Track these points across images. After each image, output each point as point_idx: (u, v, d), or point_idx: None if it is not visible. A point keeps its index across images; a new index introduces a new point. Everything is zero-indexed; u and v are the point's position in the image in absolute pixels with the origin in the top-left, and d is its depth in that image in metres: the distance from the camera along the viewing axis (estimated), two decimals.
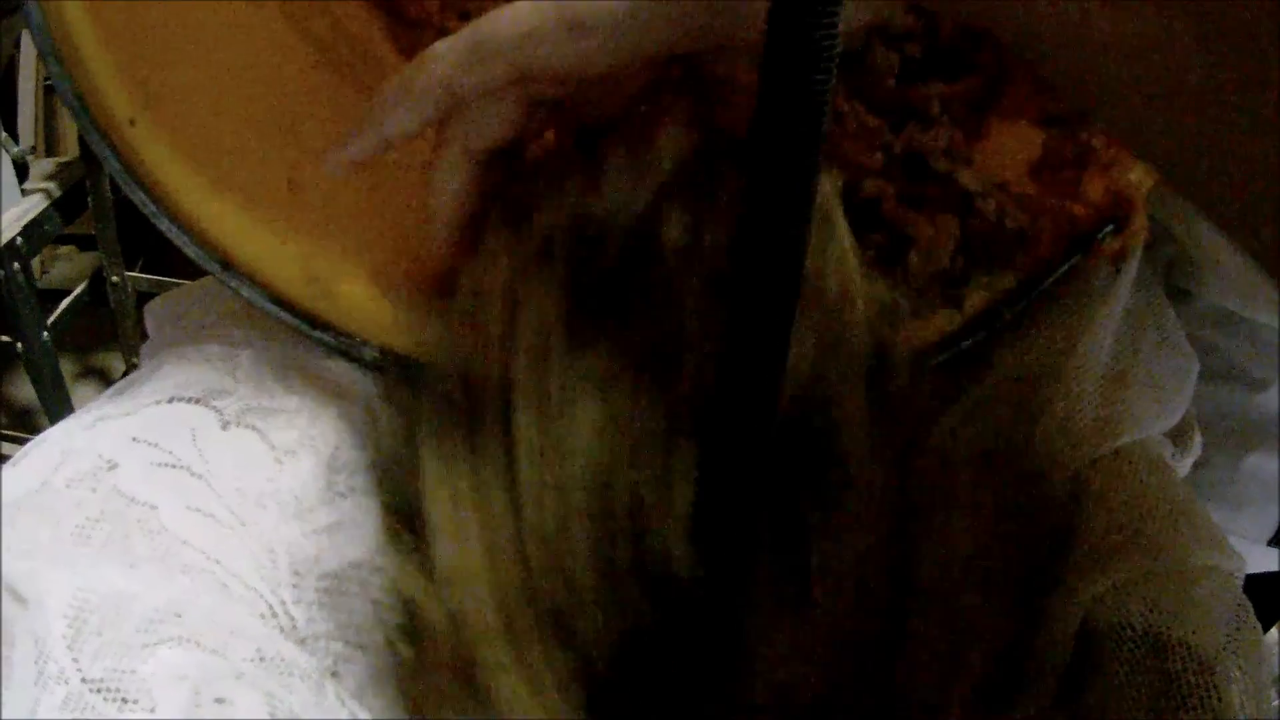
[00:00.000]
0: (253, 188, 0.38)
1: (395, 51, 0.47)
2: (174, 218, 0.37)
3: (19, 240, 1.52)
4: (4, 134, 1.52)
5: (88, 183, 1.61)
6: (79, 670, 0.27)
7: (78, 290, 1.75)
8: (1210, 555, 0.45)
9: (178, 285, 0.44)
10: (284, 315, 0.38)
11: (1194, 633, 0.42)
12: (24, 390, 1.81)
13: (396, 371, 0.39)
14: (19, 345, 1.60)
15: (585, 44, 0.32)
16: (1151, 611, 0.43)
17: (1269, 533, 0.71)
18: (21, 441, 1.82)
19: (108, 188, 1.61)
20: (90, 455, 0.33)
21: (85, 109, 0.36)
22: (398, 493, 0.38)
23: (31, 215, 1.56)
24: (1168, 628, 0.43)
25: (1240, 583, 0.46)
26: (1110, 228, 0.43)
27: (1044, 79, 0.31)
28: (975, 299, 0.44)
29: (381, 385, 0.40)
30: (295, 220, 0.38)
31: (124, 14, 0.36)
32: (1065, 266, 0.44)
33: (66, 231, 1.69)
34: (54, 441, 0.35)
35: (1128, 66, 0.27)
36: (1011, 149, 0.44)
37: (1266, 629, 0.52)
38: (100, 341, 1.95)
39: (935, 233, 0.41)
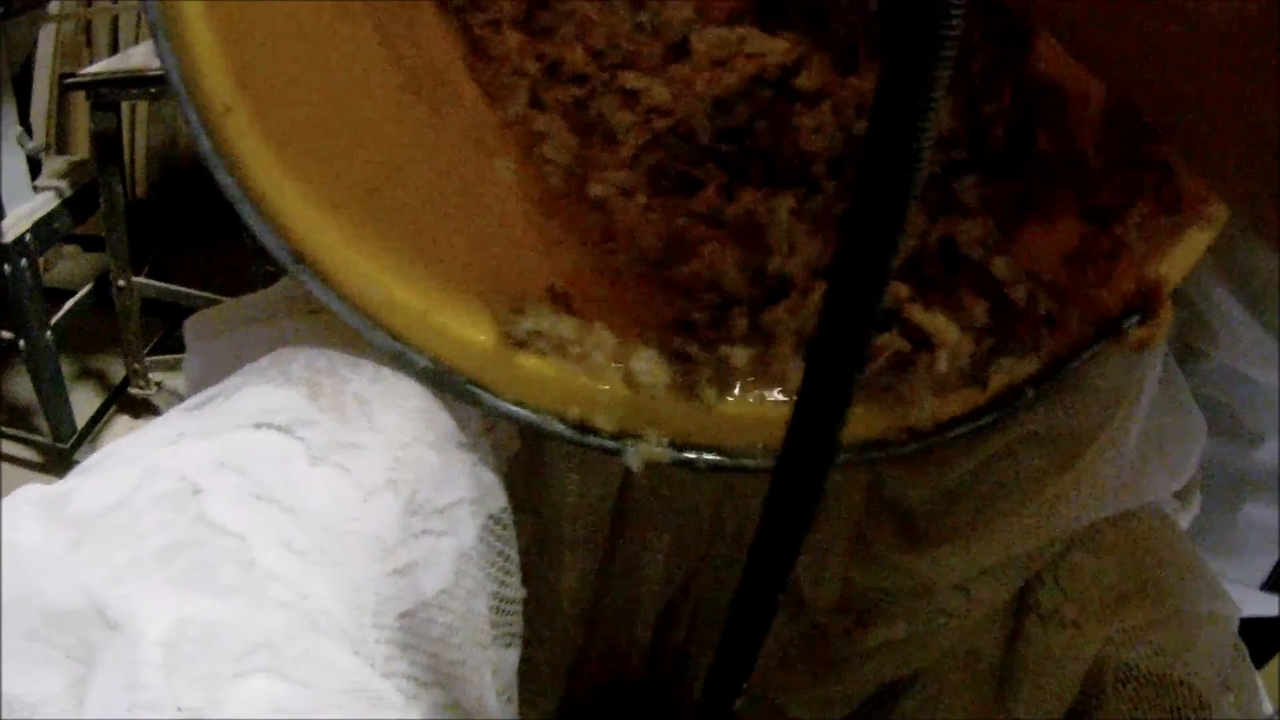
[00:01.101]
0: (332, 189, 0.39)
1: (473, 84, 0.49)
2: (256, 206, 0.38)
3: (28, 237, 1.52)
4: (19, 129, 1.52)
5: (100, 184, 1.61)
6: (174, 700, 0.27)
7: (83, 291, 1.75)
8: (1211, 603, 0.48)
9: (184, 293, 0.45)
10: (345, 313, 0.39)
11: (1195, 673, 0.45)
12: (22, 388, 1.81)
13: (446, 386, 0.41)
14: (21, 342, 1.59)
15: None
16: (1156, 654, 0.46)
17: (1262, 578, 0.74)
18: (19, 440, 1.82)
19: (119, 190, 1.61)
20: (173, 475, 0.33)
21: (185, 89, 0.37)
22: (465, 535, 0.39)
23: (42, 212, 1.57)
24: (1170, 668, 0.45)
25: (1236, 626, 0.49)
26: (1136, 318, 0.44)
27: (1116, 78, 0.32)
28: (999, 379, 0.45)
29: (455, 422, 0.41)
30: (369, 226, 0.40)
31: (235, 6, 0.37)
32: (1090, 351, 0.45)
33: (74, 232, 1.69)
34: (132, 456, 0.34)
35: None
36: (1046, 244, 0.45)
37: (1260, 667, 0.55)
38: (101, 344, 1.95)
39: (960, 338, 0.42)
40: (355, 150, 0.41)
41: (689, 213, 0.46)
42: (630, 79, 0.48)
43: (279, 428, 0.36)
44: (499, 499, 0.42)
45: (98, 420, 1.82)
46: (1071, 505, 0.47)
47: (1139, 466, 0.49)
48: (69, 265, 2.11)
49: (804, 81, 0.47)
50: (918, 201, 0.43)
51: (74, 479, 0.34)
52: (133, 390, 1.86)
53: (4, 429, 1.78)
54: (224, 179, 0.38)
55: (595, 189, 0.47)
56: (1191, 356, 0.63)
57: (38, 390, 1.68)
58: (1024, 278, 0.44)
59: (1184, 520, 0.53)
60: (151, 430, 0.37)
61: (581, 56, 0.49)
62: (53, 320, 1.63)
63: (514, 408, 0.41)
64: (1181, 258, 0.45)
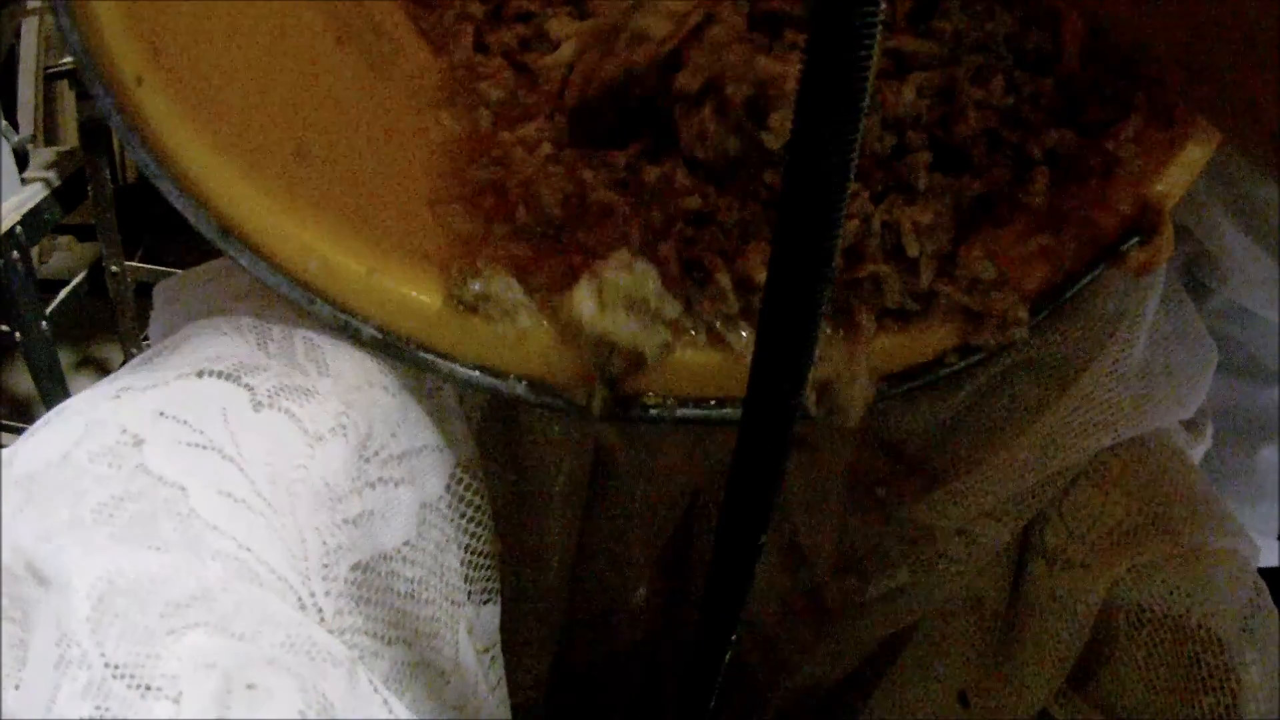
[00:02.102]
0: (258, 154, 0.37)
1: (415, 34, 0.47)
2: (176, 180, 0.36)
3: (18, 229, 1.51)
4: (4, 123, 1.51)
5: (87, 171, 1.60)
6: (102, 655, 0.26)
7: (76, 280, 1.74)
8: (1227, 539, 0.45)
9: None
10: (282, 286, 0.37)
11: (1212, 615, 0.43)
12: (21, 381, 1.80)
13: (395, 354, 0.38)
14: (17, 335, 1.59)
15: None
16: (1171, 594, 0.44)
17: (1277, 526, 0.72)
18: (19, 432, 1.81)
19: (107, 177, 1.59)
20: (114, 428, 0.32)
21: (93, 64, 0.35)
22: (428, 485, 0.37)
23: (31, 204, 1.56)
24: (1186, 610, 0.43)
25: (1255, 565, 0.46)
26: (1136, 240, 0.43)
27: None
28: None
29: (414, 373, 0.39)
30: (299, 190, 0.37)
31: None
32: (1089, 277, 0.43)
33: (66, 222, 1.68)
34: (75, 411, 0.33)
35: None
36: (1003, 242, 0.42)
37: None
38: (98, 332, 1.94)
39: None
40: (282, 112, 0.39)
41: (606, 172, 0.42)
42: (555, 25, 0.45)
43: (222, 374, 0.34)
44: (466, 448, 0.40)
45: None
46: (1071, 433, 0.45)
47: (1144, 393, 0.47)
48: (65, 256, 2.10)
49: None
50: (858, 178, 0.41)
51: (19, 440, 0.33)
52: None
53: (5, 421, 1.77)
54: (140, 155, 0.36)
55: (502, 136, 0.43)
56: (1202, 291, 0.61)
57: (36, 381, 1.67)
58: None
59: (1196, 454, 0.51)
60: (97, 387, 0.36)
61: None
62: (48, 311, 1.62)
63: (471, 372, 0.38)
64: (1179, 175, 0.43)
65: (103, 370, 1.91)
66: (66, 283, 1.73)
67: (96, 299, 1.75)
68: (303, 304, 0.37)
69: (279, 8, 0.41)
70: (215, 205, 0.36)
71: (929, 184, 0.41)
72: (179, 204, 0.36)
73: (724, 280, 0.38)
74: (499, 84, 0.44)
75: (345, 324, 0.37)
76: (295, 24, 0.41)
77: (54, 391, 1.66)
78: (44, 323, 1.59)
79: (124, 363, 1.83)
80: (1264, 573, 0.47)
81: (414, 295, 0.37)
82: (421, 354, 0.38)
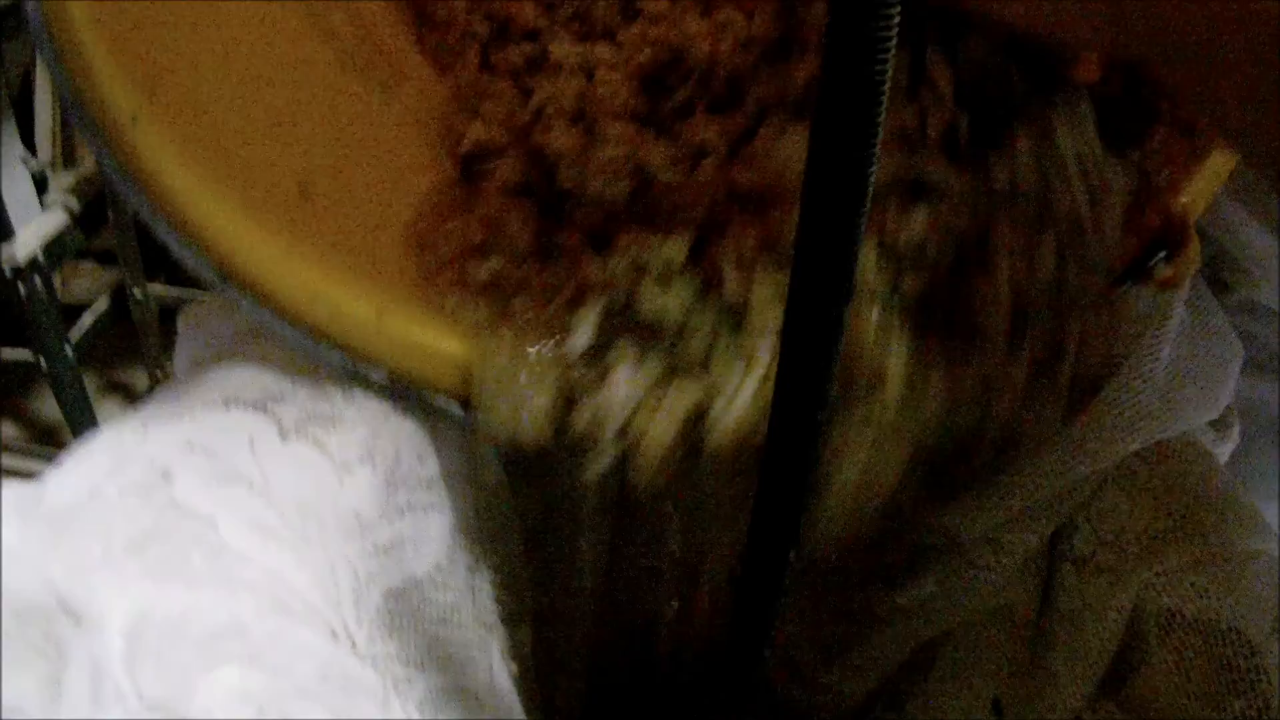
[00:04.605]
0: (259, 194, 0.36)
1: (420, 54, 0.46)
2: (173, 223, 0.35)
3: (40, 256, 1.52)
4: (23, 149, 1.52)
5: (107, 195, 1.61)
6: (138, 692, 0.26)
7: (99, 305, 1.75)
8: (1256, 540, 0.45)
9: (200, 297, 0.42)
10: (286, 331, 0.35)
11: (1243, 617, 0.42)
12: (47, 406, 1.81)
13: (409, 395, 0.37)
14: (42, 361, 1.60)
15: None
16: (1201, 598, 0.43)
17: None
18: (48, 458, 1.82)
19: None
20: (143, 461, 0.32)
21: (83, 102, 0.34)
22: (458, 508, 0.37)
23: (52, 230, 1.56)
24: (1216, 614, 0.43)
25: None
26: (1163, 254, 0.42)
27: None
28: None
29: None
30: (303, 230, 0.36)
31: (128, 3, 0.34)
32: (1116, 296, 0.42)
33: (87, 246, 1.69)
34: (103, 446, 0.33)
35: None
36: None
37: None
38: (123, 356, 1.95)
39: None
40: (284, 148, 0.38)
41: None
42: (557, 47, 0.44)
43: (249, 404, 0.34)
44: (495, 469, 0.40)
45: None
46: (1098, 438, 0.45)
47: (1169, 395, 0.47)
48: (87, 281, 2.11)
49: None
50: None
51: (49, 474, 0.33)
52: None
53: (34, 447, 1.78)
54: (135, 199, 0.34)
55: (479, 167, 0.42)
56: (1224, 288, 0.61)
57: (62, 407, 1.68)
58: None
59: (1223, 452, 0.51)
60: (124, 420, 0.36)
61: (531, 10, 0.45)
62: (72, 337, 1.63)
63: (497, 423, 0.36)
64: (1204, 186, 0.42)
65: (129, 394, 1.93)
66: (89, 308, 1.74)
67: (120, 323, 1.76)
68: (310, 350, 0.36)
69: (279, 36, 0.40)
70: (215, 249, 0.35)
71: None
72: (176, 248, 0.35)
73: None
74: (503, 105, 0.44)
75: (354, 369, 0.36)
76: (297, 52, 0.40)
77: (81, 417, 1.67)
78: (68, 349, 1.60)
79: (150, 386, 1.85)
80: None
81: (426, 338, 0.36)
82: (436, 399, 0.37)
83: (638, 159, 0.40)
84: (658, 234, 0.38)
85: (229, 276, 0.35)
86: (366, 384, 0.37)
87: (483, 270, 0.37)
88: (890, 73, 0.22)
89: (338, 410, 0.35)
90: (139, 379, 1.93)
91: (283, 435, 0.33)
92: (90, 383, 1.75)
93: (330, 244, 0.36)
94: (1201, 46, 0.29)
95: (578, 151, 0.40)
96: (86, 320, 1.71)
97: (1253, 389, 0.64)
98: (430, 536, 0.36)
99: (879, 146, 0.23)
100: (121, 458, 0.33)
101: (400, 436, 0.36)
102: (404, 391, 0.37)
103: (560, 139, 0.40)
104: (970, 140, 0.38)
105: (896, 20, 0.21)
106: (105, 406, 1.88)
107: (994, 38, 0.38)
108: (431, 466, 0.37)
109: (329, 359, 0.36)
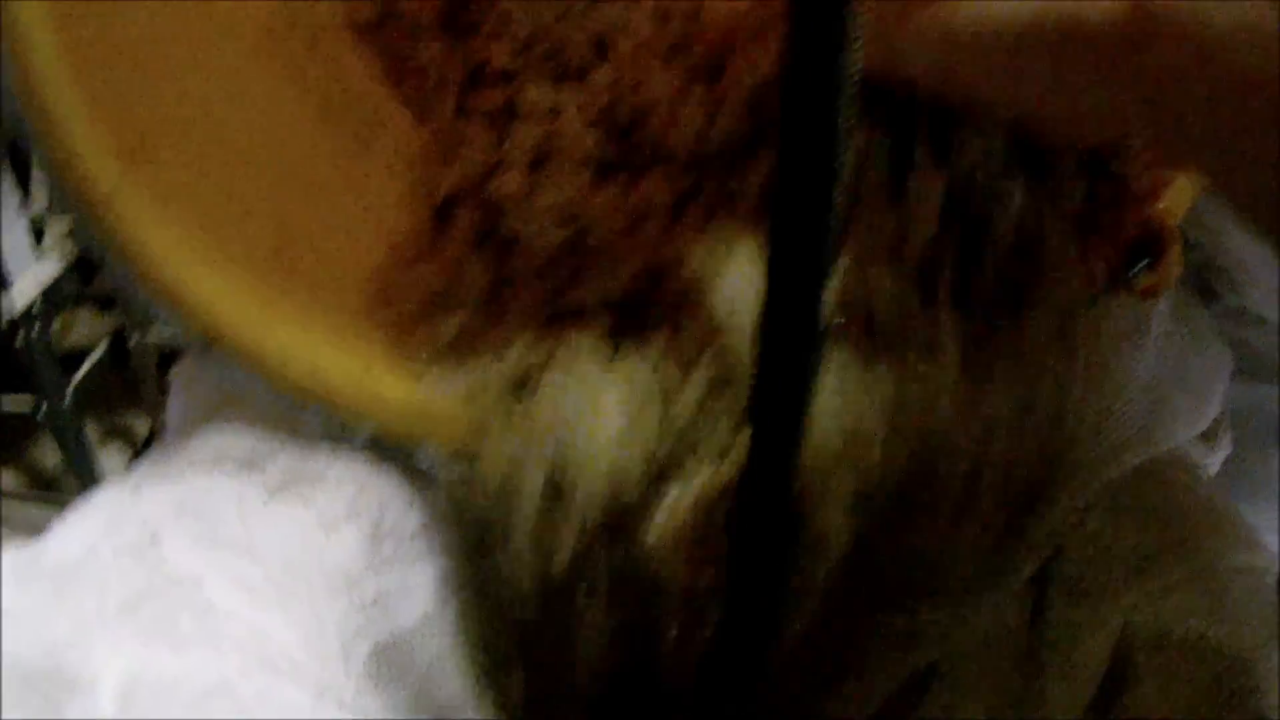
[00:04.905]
0: (238, 254, 0.36)
1: (399, 103, 0.45)
2: (155, 289, 0.35)
3: (37, 305, 1.52)
4: (19, 194, 1.52)
5: None
6: None
7: (98, 351, 1.75)
8: (1244, 555, 0.45)
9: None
10: (270, 393, 0.36)
11: (1232, 634, 0.42)
12: (49, 454, 1.81)
13: (392, 458, 0.37)
14: (43, 409, 1.60)
15: None
16: (1189, 616, 0.43)
17: None
18: (50, 505, 1.82)
19: None
20: (135, 524, 0.33)
21: (63, 171, 0.34)
22: (447, 557, 0.38)
23: (49, 278, 1.57)
24: (1205, 631, 0.43)
25: (1275, 579, 0.46)
26: (1145, 262, 0.41)
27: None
28: None
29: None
30: (284, 289, 0.37)
31: (106, 70, 0.34)
32: (1094, 308, 0.42)
33: (85, 291, 1.69)
34: (99, 507, 0.34)
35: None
36: None
37: None
38: (123, 402, 1.95)
39: None
40: (266, 208, 0.38)
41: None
42: (533, 91, 0.44)
43: (237, 463, 0.35)
44: (478, 522, 0.41)
45: None
46: (1085, 469, 0.45)
47: (1156, 411, 0.47)
48: (84, 327, 2.12)
49: None
50: None
51: (48, 535, 0.34)
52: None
53: (35, 494, 1.78)
54: (117, 267, 0.34)
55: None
56: (1211, 295, 0.61)
57: (64, 455, 1.68)
58: None
59: (1214, 462, 0.51)
60: (118, 482, 0.37)
61: (506, 51, 0.44)
62: (71, 385, 1.63)
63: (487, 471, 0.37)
64: (1183, 189, 0.41)
65: (130, 440, 1.92)
66: (88, 354, 1.74)
67: (120, 369, 1.76)
68: (293, 406, 0.36)
69: (256, 94, 0.40)
70: (196, 312, 0.35)
71: None
72: (160, 313, 0.35)
73: None
74: (479, 151, 0.43)
75: (339, 430, 0.37)
76: (274, 109, 0.40)
77: (82, 464, 1.67)
78: (68, 396, 1.60)
79: (150, 433, 1.85)
80: None
81: (407, 395, 0.37)
82: (423, 460, 0.37)
83: (576, 209, 0.40)
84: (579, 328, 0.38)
85: (211, 339, 0.35)
86: (351, 440, 0.37)
87: (448, 325, 0.37)
88: (842, 166, 0.22)
89: (322, 467, 0.36)
90: (140, 424, 1.93)
91: (269, 494, 0.34)
92: (91, 429, 1.76)
93: (310, 301, 0.37)
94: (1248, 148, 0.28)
95: (523, 197, 0.40)
96: (85, 366, 1.72)
97: (1243, 394, 0.64)
98: (418, 586, 0.36)
99: (835, 243, 0.23)
100: (115, 519, 0.34)
101: (385, 490, 0.36)
102: (387, 447, 0.37)
103: (510, 184, 0.41)
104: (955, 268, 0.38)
105: (852, 113, 0.21)
106: (108, 452, 1.88)
107: (994, 134, 0.38)
108: (419, 516, 0.37)
109: (311, 418, 0.36)
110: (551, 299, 0.38)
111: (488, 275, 0.39)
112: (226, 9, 0.39)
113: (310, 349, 0.36)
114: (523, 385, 0.37)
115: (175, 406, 0.44)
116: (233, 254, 0.36)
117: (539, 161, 0.41)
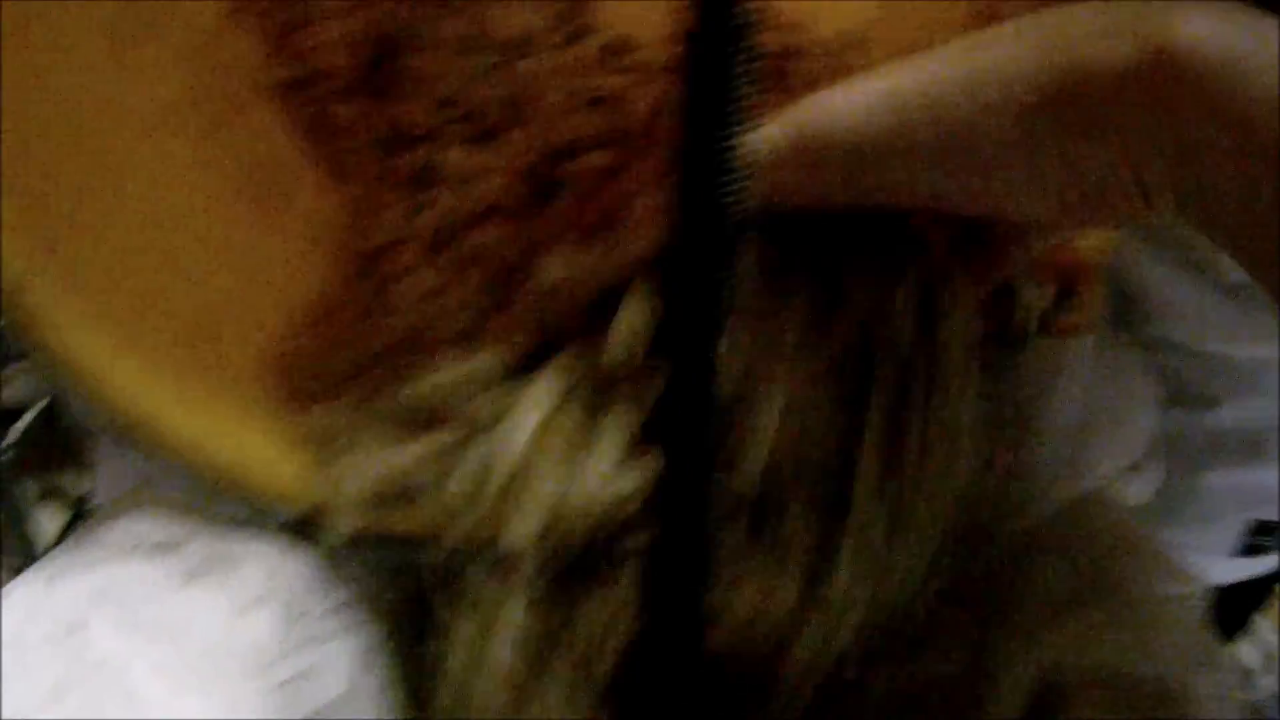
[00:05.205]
0: (155, 340, 0.36)
1: (317, 169, 0.44)
2: (71, 377, 0.35)
3: None
4: None
5: None
6: None
7: (37, 408, 1.72)
8: (1169, 584, 0.46)
9: None
10: (189, 478, 0.36)
11: (1162, 665, 0.43)
12: None
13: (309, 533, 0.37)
14: None
15: None
16: (1119, 652, 0.44)
17: (1230, 544, 0.72)
18: None
19: None
20: (60, 610, 0.33)
21: None
22: (368, 631, 0.38)
23: None
24: (1135, 665, 0.43)
25: (1199, 603, 0.47)
26: (1066, 301, 0.42)
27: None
28: None
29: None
30: (201, 371, 0.36)
31: (11, 155, 0.34)
32: (1016, 350, 0.43)
33: (24, 349, 1.67)
34: (19, 597, 0.34)
35: None
36: None
37: (1233, 637, 0.53)
38: (60, 461, 1.92)
39: None
40: (179, 286, 0.37)
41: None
42: (454, 154, 0.43)
43: (155, 547, 0.35)
44: (411, 582, 0.41)
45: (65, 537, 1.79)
46: (1011, 516, 0.46)
47: (1080, 451, 0.48)
48: (21, 384, 2.08)
49: None
50: None
51: None
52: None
53: None
54: (33, 354, 0.35)
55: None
56: (1129, 327, 0.62)
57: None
58: None
59: (1144, 489, 0.51)
60: (37, 569, 0.37)
61: (423, 110, 0.43)
62: (5, 443, 1.60)
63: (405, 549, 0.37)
64: (1103, 230, 0.41)
65: (67, 500, 1.90)
66: (25, 411, 1.71)
67: (56, 427, 1.73)
68: (206, 493, 0.36)
69: (170, 174, 0.39)
70: (112, 399, 0.35)
71: None
72: (80, 402, 0.36)
73: None
74: (394, 218, 0.43)
75: (253, 512, 0.37)
76: (189, 187, 0.40)
77: (16, 525, 1.64)
78: (3, 455, 1.58)
79: (89, 491, 1.82)
80: (1222, 591, 0.47)
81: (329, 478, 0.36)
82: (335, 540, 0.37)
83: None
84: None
85: (125, 429, 0.35)
86: (265, 522, 0.37)
87: (333, 411, 0.37)
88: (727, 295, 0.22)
89: (238, 550, 0.36)
90: (80, 483, 1.90)
91: (186, 578, 0.34)
92: (29, 488, 1.73)
93: (225, 380, 0.37)
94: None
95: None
96: (22, 424, 1.69)
97: (1168, 420, 0.65)
98: (335, 664, 0.36)
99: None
100: (36, 610, 0.34)
101: (303, 570, 0.37)
102: (303, 527, 0.37)
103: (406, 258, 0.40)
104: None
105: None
106: (44, 512, 1.85)
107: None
108: (335, 595, 0.37)
109: (223, 502, 0.37)
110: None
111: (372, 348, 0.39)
112: (134, 85, 0.38)
113: (223, 432, 0.36)
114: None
115: (101, 486, 0.44)
116: (148, 334, 0.36)
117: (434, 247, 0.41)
